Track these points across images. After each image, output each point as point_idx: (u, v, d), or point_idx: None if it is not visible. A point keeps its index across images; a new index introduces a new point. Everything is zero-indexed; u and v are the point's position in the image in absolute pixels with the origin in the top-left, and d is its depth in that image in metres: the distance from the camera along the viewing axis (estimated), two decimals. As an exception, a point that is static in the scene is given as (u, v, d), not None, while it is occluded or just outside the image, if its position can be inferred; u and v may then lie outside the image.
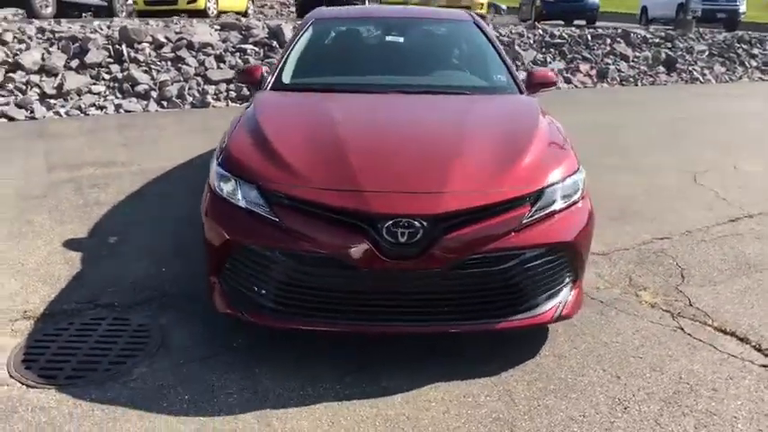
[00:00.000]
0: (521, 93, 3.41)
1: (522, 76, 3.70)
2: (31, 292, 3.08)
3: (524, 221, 2.26)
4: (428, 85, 3.42)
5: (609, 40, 13.75)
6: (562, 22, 17.04)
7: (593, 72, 12.64)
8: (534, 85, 3.60)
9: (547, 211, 2.33)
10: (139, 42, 9.26)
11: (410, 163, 2.42)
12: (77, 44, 8.79)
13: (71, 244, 3.69)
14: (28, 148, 6.12)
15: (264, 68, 3.67)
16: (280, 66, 3.55)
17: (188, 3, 11.83)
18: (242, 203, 2.35)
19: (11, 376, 2.42)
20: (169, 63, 9.18)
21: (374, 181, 2.28)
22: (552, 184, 2.38)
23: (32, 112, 7.70)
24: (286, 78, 3.46)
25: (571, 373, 2.36)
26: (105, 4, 12.96)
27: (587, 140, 6.73)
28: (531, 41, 13.27)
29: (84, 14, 13.44)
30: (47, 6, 11.26)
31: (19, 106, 7.74)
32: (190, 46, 9.49)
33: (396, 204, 2.18)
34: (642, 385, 2.30)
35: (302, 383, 2.30)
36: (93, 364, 2.52)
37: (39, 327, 2.77)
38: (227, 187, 2.43)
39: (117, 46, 9.01)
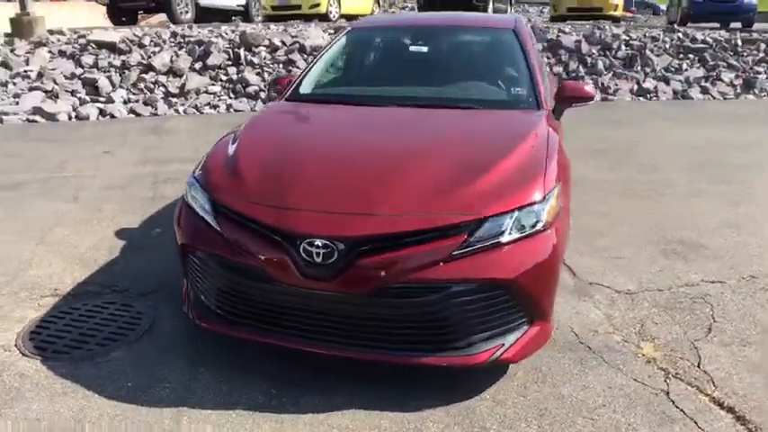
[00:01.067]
0: (539, 108, 3.16)
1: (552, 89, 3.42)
2: (68, 273, 3.52)
3: (455, 252, 2.10)
4: (439, 99, 3.29)
5: (763, 46, 12.05)
6: (716, 25, 15.28)
7: (739, 82, 11.18)
8: (565, 99, 3.32)
9: (489, 243, 2.14)
10: (257, 46, 9.99)
11: (352, 183, 2.38)
12: (202, 47, 9.72)
13: (121, 233, 4.13)
14: (137, 142, 6.93)
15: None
16: (302, 75, 3.65)
17: (310, 7, 12.48)
18: (199, 211, 2.48)
19: (15, 345, 2.80)
20: (281, 66, 9.78)
21: (303, 199, 2.29)
22: (500, 214, 2.18)
23: (156, 109, 8.68)
24: (304, 89, 3.55)
25: (498, 424, 2.15)
26: (242, 9, 14.14)
27: (684, 159, 6.04)
28: (667, 46, 12.07)
29: (230, 18, 14.77)
30: (186, 12, 12.54)
31: (145, 104, 8.77)
32: (302, 49, 10.03)
33: (313, 224, 2.17)
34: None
35: (232, 388, 2.38)
36: (83, 343, 2.82)
37: (58, 304, 3.16)
38: (191, 194, 2.58)
39: (236, 49, 9.80)
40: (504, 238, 2.17)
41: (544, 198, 2.30)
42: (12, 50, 9.50)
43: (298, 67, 9.64)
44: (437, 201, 2.23)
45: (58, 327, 2.97)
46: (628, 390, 2.36)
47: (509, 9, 15.50)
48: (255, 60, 9.78)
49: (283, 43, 10.22)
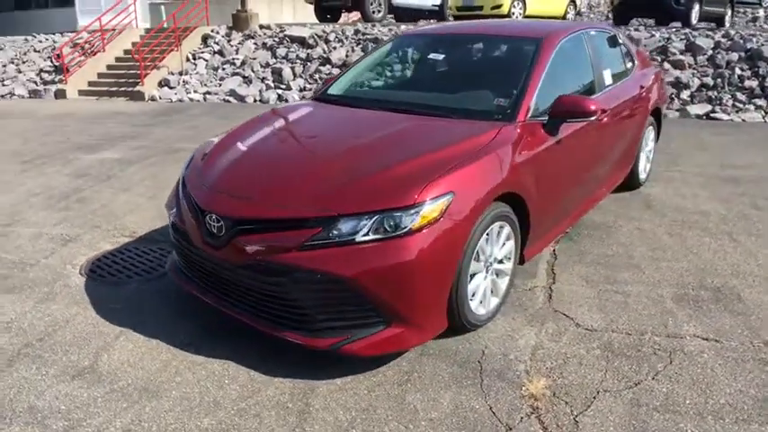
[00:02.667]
0: (511, 120, 3.06)
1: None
2: (150, 223, 4.52)
3: (306, 243, 2.36)
4: (424, 106, 3.38)
5: None
6: None
7: None
8: (561, 113, 3.19)
9: (343, 240, 2.34)
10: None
11: (264, 174, 2.77)
12: (375, 45, 10.59)
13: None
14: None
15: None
16: (338, 76, 4.05)
17: (492, 8, 12.50)
18: (180, 187, 3.13)
19: (80, 265, 3.81)
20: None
21: (221, 183, 2.78)
22: (354, 214, 2.36)
23: (321, 97, 9.81)
24: (333, 90, 3.94)
25: (323, 408, 2.36)
26: (437, 9, 14.75)
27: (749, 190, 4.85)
28: None
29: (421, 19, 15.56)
30: (379, 11, 13.56)
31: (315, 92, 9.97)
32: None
33: (215, 203, 2.66)
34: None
35: (169, 327, 2.98)
36: (119, 273, 3.72)
37: (127, 243, 4.14)
38: (181, 172, 3.24)
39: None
40: (359, 238, 2.35)
41: (414, 204, 2.39)
42: (228, 41, 11.58)
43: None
44: (316, 196, 2.50)
45: (115, 258, 3.93)
46: (473, 415, 2.33)
47: (727, 13, 13.40)
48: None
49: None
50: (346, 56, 10.56)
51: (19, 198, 5.19)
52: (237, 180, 2.79)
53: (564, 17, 14.29)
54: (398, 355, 2.70)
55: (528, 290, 3.36)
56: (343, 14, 15.06)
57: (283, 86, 10.20)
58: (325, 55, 10.74)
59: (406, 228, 2.36)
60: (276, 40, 11.50)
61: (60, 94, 11.75)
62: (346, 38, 11.23)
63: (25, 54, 13.31)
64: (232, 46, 11.39)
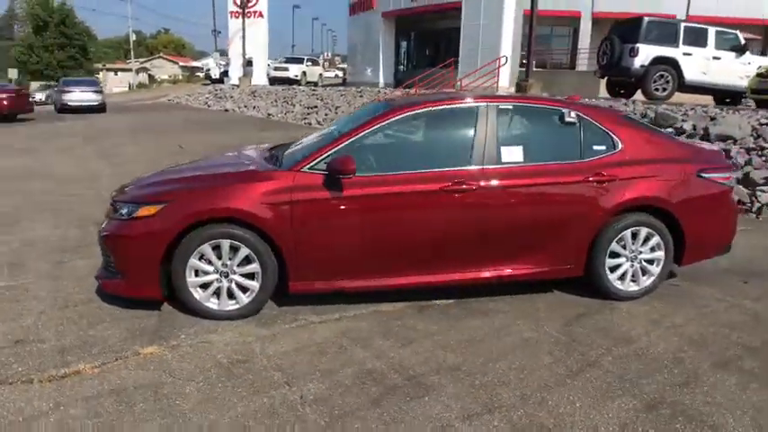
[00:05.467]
0: (281, 167, 4.04)
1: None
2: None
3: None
4: None
5: None
6: None
7: None
8: (330, 170, 3.77)
9: (121, 218, 3.92)
10: (666, 127, 10.11)
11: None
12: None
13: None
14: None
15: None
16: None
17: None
18: None
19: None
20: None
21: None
22: (122, 202, 4.01)
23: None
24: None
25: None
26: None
27: None
28: None
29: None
30: (664, 89, 13.05)
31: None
32: (704, 137, 9.51)
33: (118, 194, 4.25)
34: None
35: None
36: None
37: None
38: None
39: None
40: (123, 217, 3.83)
41: (138, 203, 3.82)
42: None
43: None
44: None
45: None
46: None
47: None
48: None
49: (694, 128, 9.86)
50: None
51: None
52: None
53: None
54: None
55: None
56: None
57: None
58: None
59: (127, 213, 3.82)
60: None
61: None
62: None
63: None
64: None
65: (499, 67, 19.25)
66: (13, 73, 35.23)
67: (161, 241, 3.68)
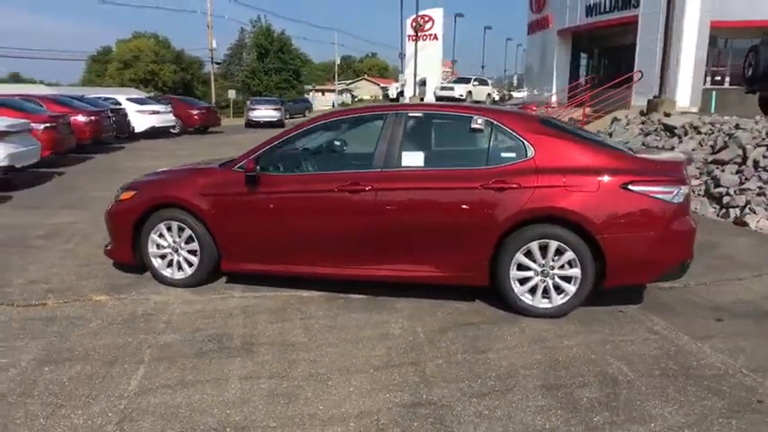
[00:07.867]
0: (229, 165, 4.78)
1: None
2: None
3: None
4: None
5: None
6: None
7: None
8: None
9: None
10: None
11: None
12: (723, 142, 9.42)
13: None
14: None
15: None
16: None
17: None
18: None
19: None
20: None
21: None
22: None
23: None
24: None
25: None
26: None
27: None
28: None
29: None
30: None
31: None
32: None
33: None
34: None
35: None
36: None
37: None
38: None
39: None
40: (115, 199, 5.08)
41: (123, 189, 5.07)
42: (626, 124, 12.33)
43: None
44: None
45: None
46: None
47: None
48: (762, 164, 8.58)
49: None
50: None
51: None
52: None
53: None
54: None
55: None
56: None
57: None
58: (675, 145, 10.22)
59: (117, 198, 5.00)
60: (653, 127, 11.49)
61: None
62: (711, 132, 10.18)
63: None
64: (623, 128, 12.11)
65: (633, 83, 17.56)
66: (231, 93, 41.59)
67: (130, 219, 4.84)
